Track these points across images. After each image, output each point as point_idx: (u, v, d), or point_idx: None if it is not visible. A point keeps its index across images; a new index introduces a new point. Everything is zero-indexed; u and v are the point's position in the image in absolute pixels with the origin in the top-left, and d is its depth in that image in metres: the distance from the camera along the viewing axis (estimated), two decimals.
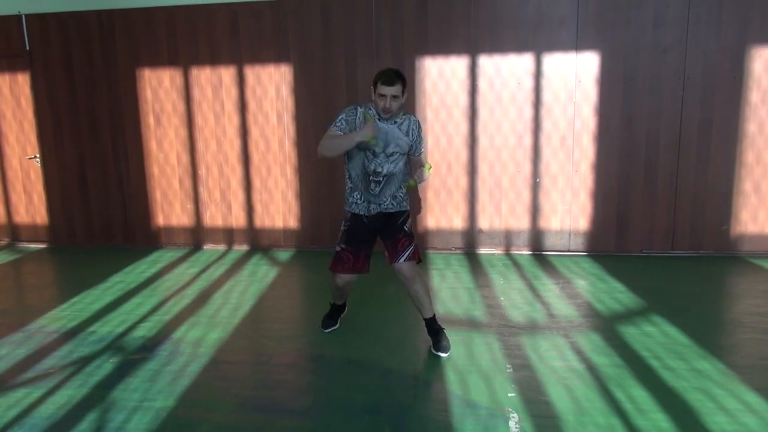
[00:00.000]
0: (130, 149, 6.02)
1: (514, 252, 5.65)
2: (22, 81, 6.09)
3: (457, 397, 3.02)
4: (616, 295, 4.47)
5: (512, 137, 5.47)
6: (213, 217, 6.05)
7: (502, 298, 4.44)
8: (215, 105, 5.82)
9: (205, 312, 4.31)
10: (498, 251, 5.68)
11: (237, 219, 6.01)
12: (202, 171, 5.97)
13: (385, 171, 3.41)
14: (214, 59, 5.72)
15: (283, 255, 5.80)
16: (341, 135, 3.31)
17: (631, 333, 3.75)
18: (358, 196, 3.49)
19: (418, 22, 5.38)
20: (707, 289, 4.63)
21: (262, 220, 5.98)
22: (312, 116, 5.65)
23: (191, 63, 5.77)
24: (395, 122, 3.40)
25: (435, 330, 3.57)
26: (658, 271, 5.03)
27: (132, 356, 3.59)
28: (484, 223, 5.66)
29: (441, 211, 5.69)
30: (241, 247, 6.05)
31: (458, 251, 5.72)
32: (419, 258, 3.55)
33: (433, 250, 5.75)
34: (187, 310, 4.36)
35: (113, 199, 6.16)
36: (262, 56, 5.65)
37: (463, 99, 5.46)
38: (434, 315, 3.60)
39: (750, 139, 5.19)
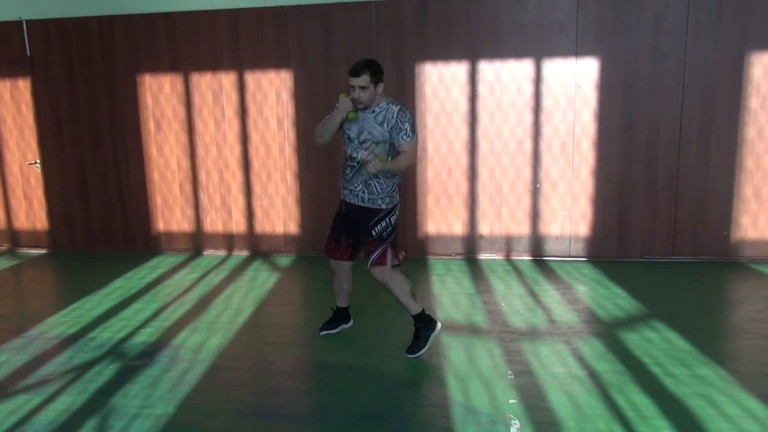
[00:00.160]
0: (131, 154, 6.03)
1: (515, 257, 5.65)
2: (23, 86, 6.10)
3: (458, 404, 3.01)
4: (616, 300, 4.46)
5: (512, 143, 5.47)
6: (213, 223, 6.05)
7: (502, 304, 4.43)
8: (216, 110, 5.83)
9: (205, 318, 4.30)
10: (498, 257, 5.68)
11: (237, 224, 6.01)
12: (202, 176, 5.97)
13: (358, 157, 3.47)
14: (214, 65, 5.73)
15: (284, 260, 5.80)
16: (327, 119, 3.49)
17: (632, 339, 3.74)
18: (341, 181, 3.65)
19: (419, 28, 5.40)
20: (708, 295, 4.63)
21: (262, 226, 5.98)
22: (312, 122, 5.64)
23: (192, 68, 5.78)
24: (373, 111, 3.43)
25: (416, 330, 3.58)
26: (658, 277, 5.03)
27: (132, 362, 3.58)
28: (484, 228, 5.66)
29: (441, 217, 5.68)
30: (242, 253, 6.04)
31: (459, 257, 5.72)
32: (398, 261, 3.58)
33: (434, 256, 5.75)
34: (187, 315, 4.36)
35: (113, 204, 6.16)
36: (262, 62, 5.66)
37: (464, 104, 5.47)
38: (419, 313, 3.56)
39: (750, 145, 5.19)
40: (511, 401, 3.02)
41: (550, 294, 4.65)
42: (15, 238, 6.48)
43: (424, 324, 3.58)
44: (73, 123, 6.06)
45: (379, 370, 3.41)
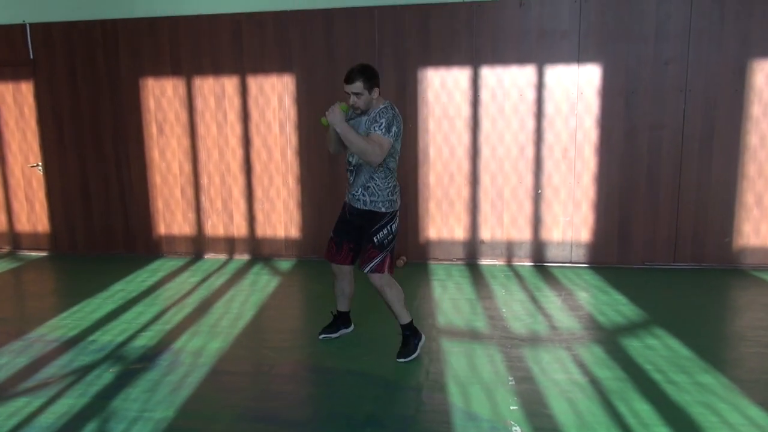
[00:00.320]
0: (133, 158, 6.03)
1: (516, 263, 5.64)
2: (26, 89, 6.12)
3: (458, 410, 3.00)
4: (618, 307, 4.45)
5: (514, 148, 5.47)
6: (214, 227, 6.05)
7: (504, 310, 4.42)
8: (218, 114, 5.84)
9: (205, 322, 4.30)
10: (500, 262, 5.67)
11: (238, 228, 6.01)
12: (204, 180, 5.97)
13: (354, 161, 3.50)
14: (217, 69, 5.74)
15: (285, 264, 5.79)
16: None
17: (633, 346, 3.73)
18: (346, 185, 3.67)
19: (421, 33, 5.41)
20: (710, 302, 4.62)
21: (263, 230, 5.97)
22: (314, 126, 5.66)
23: (194, 72, 5.79)
24: (368, 115, 3.46)
25: (404, 337, 3.63)
26: (660, 284, 5.02)
27: (132, 366, 3.58)
28: (485, 234, 5.65)
29: (443, 222, 5.68)
30: (242, 257, 6.04)
31: (460, 262, 5.71)
32: (390, 270, 3.53)
33: (435, 261, 5.74)
34: (187, 319, 4.35)
35: (115, 207, 6.16)
36: (265, 66, 5.68)
37: (466, 110, 5.47)
38: (408, 323, 3.61)
39: (752, 152, 5.19)
40: (512, 408, 3.01)
41: (552, 300, 4.64)
42: (16, 240, 6.49)
43: (412, 333, 3.64)
44: (75, 126, 6.07)
45: (379, 375, 3.40)
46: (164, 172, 6.02)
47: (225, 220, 6.01)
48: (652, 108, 5.24)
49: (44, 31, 5.93)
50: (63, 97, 6.03)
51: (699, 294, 4.78)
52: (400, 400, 3.14)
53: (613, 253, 5.50)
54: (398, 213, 3.60)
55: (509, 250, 5.65)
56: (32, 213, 6.38)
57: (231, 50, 5.69)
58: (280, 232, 5.95)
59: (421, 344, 3.66)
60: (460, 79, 5.43)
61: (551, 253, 5.59)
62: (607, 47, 5.21)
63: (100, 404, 3.12)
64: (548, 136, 5.41)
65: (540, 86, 5.35)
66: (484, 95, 5.43)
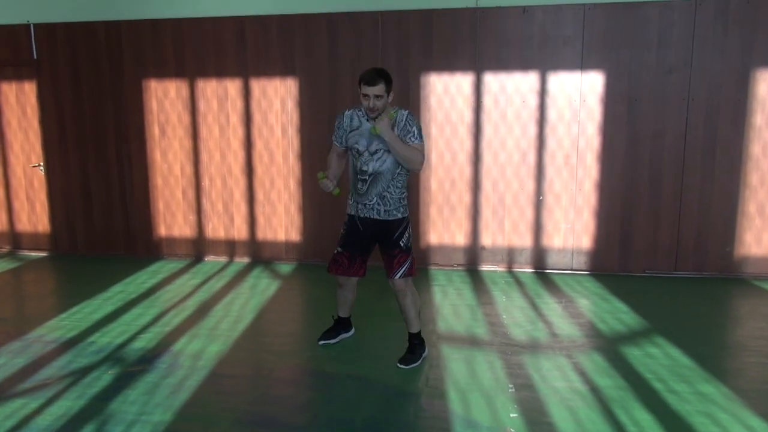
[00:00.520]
0: (134, 159, 6.03)
1: (517, 269, 5.63)
2: (29, 89, 6.12)
3: (458, 416, 2.99)
4: (619, 315, 4.44)
5: (516, 154, 5.47)
6: (215, 229, 6.04)
7: (504, 316, 4.41)
8: (220, 117, 5.84)
9: (205, 324, 4.29)
10: (500, 268, 5.66)
11: (239, 231, 6.00)
12: (205, 182, 5.97)
13: (370, 169, 3.43)
14: (220, 71, 5.75)
15: (285, 268, 5.78)
16: (332, 150, 3.62)
17: (634, 354, 3.71)
18: (351, 197, 3.58)
19: (424, 38, 5.41)
20: (711, 311, 4.60)
21: (264, 233, 5.97)
22: (316, 130, 5.66)
23: (197, 75, 5.79)
24: (376, 121, 3.41)
25: (412, 344, 3.63)
26: (661, 292, 5.01)
27: (131, 368, 3.56)
28: (486, 240, 5.64)
29: (444, 227, 5.67)
30: (243, 260, 6.03)
31: (460, 268, 5.70)
32: (414, 273, 3.56)
33: (435, 267, 5.73)
34: (187, 322, 4.34)
35: (116, 208, 6.15)
36: (268, 69, 5.68)
37: (468, 116, 5.47)
38: (418, 332, 3.64)
39: (754, 161, 5.19)
40: (512, 415, 3.00)
41: (552, 307, 4.62)
42: (16, 240, 6.48)
43: (420, 343, 3.65)
44: (77, 127, 6.07)
45: (379, 381, 3.39)
46: (166, 174, 6.02)
47: (226, 222, 6.01)
48: (655, 116, 5.23)
49: (48, 31, 5.94)
50: (66, 97, 6.03)
51: (700, 303, 4.76)
52: (399, 406, 3.12)
53: (614, 261, 5.49)
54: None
55: (510, 256, 5.64)
56: (33, 213, 6.37)
57: (234, 53, 5.69)
58: (281, 236, 5.94)
59: (424, 356, 3.65)
60: (463, 85, 5.43)
61: (552, 259, 5.58)
62: (610, 54, 5.21)
63: (98, 406, 3.10)
64: (550, 143, 5.41)
65: (543, 92, 5.35)
66: (487, 101, 5.43)
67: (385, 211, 3.47)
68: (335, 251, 3.65)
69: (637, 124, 5.26)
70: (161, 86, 5.87)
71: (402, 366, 3.53)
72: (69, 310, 4.60)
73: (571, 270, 5.56)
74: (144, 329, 4.19)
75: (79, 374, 3.48)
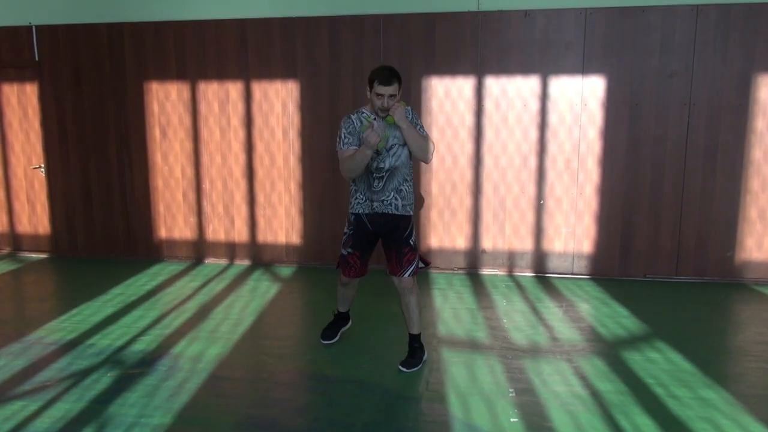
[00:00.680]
0: (135, 161, 6.03)
1: (517, 273, 5.62)
2: (30, 91, 6.12)
3: (458, 421, 2.98)
4: (619, 319, 4.43)
5: (517, 158, 5.47)
6: (215, 231, 6.03)
7: (504, 320, 4.40)
8: (221, 119, 5.84)
9: (205, 327, 4.28)
10: (501, 272, 5.65)
11: (239, 233, 6.00)
12: (206, 184, 5.97)
13: (387, 165, 3.43)
14: (221, 74, 5.75)
15: (285, 271, 5.77)
16: (354, 152, 3.36)
17: (635, 359, 3.70)
18: (362, 196, 3.52)
19: (426, 42, 5.41)
20: (712, 316, 4.59)
21: (264, 236, 5.96)
22: (317, 133, 5.66)
23: (199, 77, 5.79)
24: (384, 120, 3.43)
25: (413, 347, 3.62)
26: (661, 297, 5.00)
27: (130, 370, 3.56)
28: (487, 243, 5.63)
29: (444, 231, 5.67)
30: (243, 262, 6.02)
31: (461, 271, 5.69)
32: (427, 263, 3.63)
33: (436, 270, 5.72)
34: (187, 324, 4.33)
35: (116, 210, 6.15)
36: (269, 72, 5.68)
37: (469, 119, 5.47)
38: (419, 334, 3.63)
39: (756, 167, 5.18)
40: (512, 420, 2.99)
41: (553, 311, 4.62)
42: (17, 241, 6.47)
43: (420, 346, 3.65)
44: (78, 128, 6.07)
45: (379, 384, 3.38)
46: (166, 176, 6.02)
47: (226, 224, 6.00)
48: (656, 120, 5.23)
49: (50, 33, 5.94)
50: (67, 99, 6.04)
51: (701, 308, 4.75)
52: (399, 410, 3.11)
53: (614, 265, 5.48)
54: None
55: (511, 260, 5.63)
56: (33, 214, 6.37)
57: (236, 55, 5.70)
58: (281, 238, 5.93)
59: (425, 359, 3.65)
60: (464, 89, 5.43)
61: (553, 263, 5.57)
62: (612, 59, 5.21)
63: (97, 409, 3.09)
64: (551, 147, 5.41)
65: (544, 97, 5.35)
66: (488, 105, 5.43)
67: (402, 205, 3.48)
68: (344, 253, 3.62)
69: (639, 128, 5.26)
70: (162, 88, 5.88)
71: (404, 369, 3.52)
72: (69, 312, 4.59)
73: (572, 274, 5.56)
74: (144, 332, 4.18)
75: (79, 376, 3.47)
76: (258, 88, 5.72)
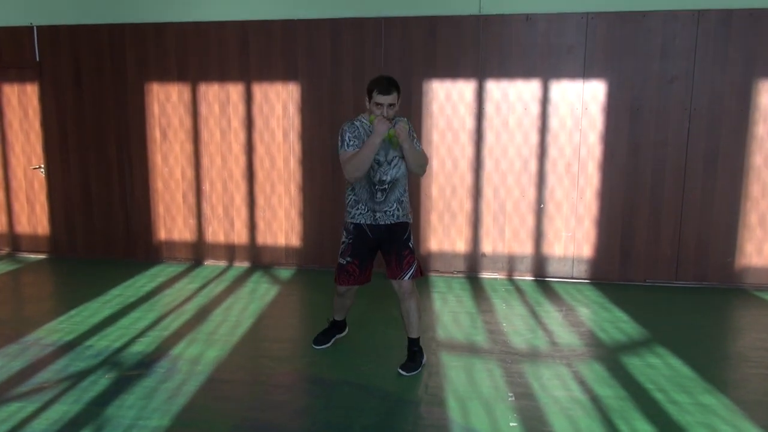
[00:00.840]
0: (135, 162, 6.03)
1: (517, 277, 5.62)
2: (31, 91, 6.12)
3: (457, 425, 2.97)
4: (619, 324, 4.42)
5: (518, 162, 5.46)
6: (215, 233, 6.03)
7: (504, 324, 4.39)
8: (222, 121, 5.84)
9: (203, 329, 4.27)
10: (500, 276, 5.64)
11: (239, 235, 5.99)
12: (206, 186, 5.96)
13: (389, 178, 3.46)
14: (222, 76, 5.75)
15: (285, 273, 5.76)
16: (359, 150, 3.34)
17: (634, 364, 3.70)
18: (363, 206, 3.50)
19: (427, 45, 5.41)
20: (712, 322, 4.59)
21: (264, 238, 5.95)
22: (318, 136, 5.66)
23: (200, 79, 5.79)
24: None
25: (412, 351, 3.62)
26: (661, 302, 4.99)
27: (128, 372, 3.54)
28: (487, 247, 5.63)
29: (444, 234, 5.66)
30: (243, 264, 6.01)
31: (460, 275, 5.68)
32: (422, 273, 3.60)
33: (435, 273, 5.71)
34: (185, 326, 4.32)
35: (116, 212, 6.14)
36: (270, 74, 5.68)
37: (470, 123, 5.47)
38: (419, 338, 3.63)
39: (756, 172, 5.18)
40: (511, 424, 2.98)
41: (552, 315, 4.61)
42: (15, 242, 6.46)
43: (420, 350, 3.65)
44: (79, 129, 6.06)
45: (378, 387, 3.37)
46: (166, 178, 6.01)
47: (226, 226, 5.99)
48: (657, 125, 5.23)
49: (51, 33, 5.94)
50: (67, 99, 6.03)
51: (701, 313, 4.74)
52: (398, 414, 3.10)
53: (614, 270, 5.48)
54: None
55: (510, 263, 5.62)
56: (33, 215, 6.36)
57: (237, 57, 5.70)
58: (281, 241, 5.93)
59: (424, 363, 3.65)
60: (465, 92, 5.43)
61: (552, 267, 5.57)
62: (613, 63, 5.21)
63: (94, 411, 3.08)
64: (552, 151, 5.41)
65: (545, 101, 5.35)
66: (489, 108, 5.43)
67: (403, 214, 3.53)
68: (342, 262, 3.58)
69: (639, 133, 5.26)
70: (163, 90, 5.88)
71: (404, 373, 3.51)
72: (67, 313, 4.58)
73: (572, 278, 5.55)
74: (142, 333, 4.17)
75: (76, 378, 3.46)
76: (259, 90, 5.72)
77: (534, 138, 5.41)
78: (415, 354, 3.60)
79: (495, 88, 5.39)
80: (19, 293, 5.34)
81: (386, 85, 3.32)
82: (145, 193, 6.06)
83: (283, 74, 5.66)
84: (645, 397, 3.27)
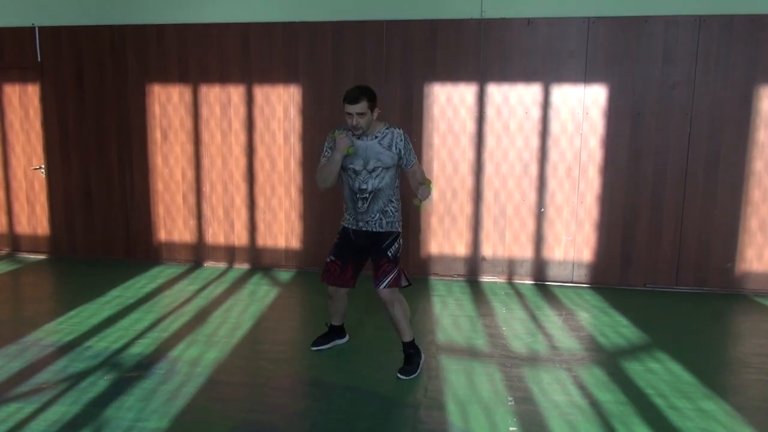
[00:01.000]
0: (136, 163, 6.03)
1: (517, 281, 5.61)
2: (32, 92, 6.12)
3: (457, 428, 2.96)
4: (619, 329, 4.41)
5: (518, 166, 5.47)
6: (215, 235, 6.02)
7: (504, 328, 4.39)
8: (223, 123, 5.84)
9: (203, 330, 4.26)
10: (500, 280, 5.63)
11: (239, 237, 5.98)
12: (206, 188, 5.96)
13: (370, 187, 3.47)
14: (223, 77, 5.75)
15: (284, 275, 5.76)
16: (326, 162, 3.49)
17: (634, 369, 3.69)
18: (347, 214, 3.61)
19: (428, 49, 5.42)
20: (712, 327, 4.58)
21: (264, 240, 5.95)
22: (319, 138, 5.64)
23: (201, 80, 5.80)
24: (375, 137, 3.46)
25: (408, 354, 3.62)
26: (661, 306, 4.98)
27: (127, 374, 3.54)
28: (487, 250, 5.62)
29: (444, 237, 5.66)
30: (242, 266, 6.01)
31: (460, 278, 5.68)
32: (408, 282, 3.59)
33: (435, 277, 5.71)
34: (185, 328, 4.31)
35: (116, 212, 6.14)
36: (271, 76, 5.68)
37: (471, 126, 5.47)
38: (412, 340, 3.63)
39: (757, 177, 5.18)
40: (511, 428, 2.97)
41: (552, 319, 4.60)
42: (15, 242, 6.46)
43: (416, 351, 3.65)
44: (79, 130, 6.06)
45: (377, 391, 3.36)
46: (167, 179, 6.01)
47: (226, 228, 5.99)
48: (658, 130, 5.23)
49: (53, 34, 5.95)
50: (68, 100, 6.04)
51: (701, 318, 4.74)
52: (397, 417, 3.09)
53: (614, 274, 5.47)
54: None
55: (510, 267, 5.62)
56: (33, 215, 6.36)
57: (238, 59, 5.70)
58: (281, 243, 5.92)
59: (422, 363, 3.64)
60: (466, 96, 5.43)
61: (553, 272, 5.56)
62: (614, 68, 5.21)
63: (93, 412, 3.07)
64: (552, 155, 5.41)
65: (546, 105, 5.35)
66: (490, 112, 5.43)
67: (387, 223, 3.54)
68: (327, 259, 3.68)
69: (640, 138, 5.26)
70: (164, 91, 5.88)
71: (403, 377, 3.51)
72: (66, 313, 4.57)
73: (572, 282, 5.54)
74: (141, 334, 4.16)
75: (75, 379, 3.45)
76: (260, 91, 5.73)
77: (535, 142, 5.41)
78: (411, 356, 3.60)
79: (496, 91, 5.40)
80: (18, 294, 5.33)
81: (355, 94, 3.34)
82: (145, 194, 6.06)
83: (284, 76, 5.66)
84: (645, 402, 3.26)
